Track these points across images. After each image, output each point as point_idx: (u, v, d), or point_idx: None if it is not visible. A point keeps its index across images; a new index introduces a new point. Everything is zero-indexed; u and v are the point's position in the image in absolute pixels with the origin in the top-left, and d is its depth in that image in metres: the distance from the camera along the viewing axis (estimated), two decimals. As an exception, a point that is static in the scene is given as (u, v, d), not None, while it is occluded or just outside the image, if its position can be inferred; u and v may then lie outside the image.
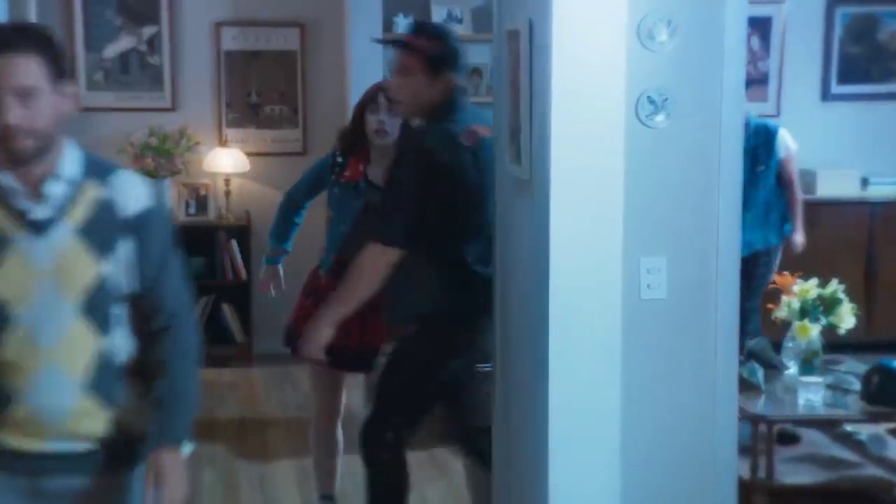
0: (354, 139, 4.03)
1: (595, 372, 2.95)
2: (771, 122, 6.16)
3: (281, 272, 4.49)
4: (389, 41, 5.03)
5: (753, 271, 5.76)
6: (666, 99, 2.94)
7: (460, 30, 6.76)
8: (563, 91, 2.89)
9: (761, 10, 6.78)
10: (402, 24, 6.62)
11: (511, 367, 3.40)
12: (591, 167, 2.91)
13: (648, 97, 2.94)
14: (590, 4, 2.86)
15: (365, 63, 6.25)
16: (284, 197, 4.42)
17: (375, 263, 3.49)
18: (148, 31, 6.64)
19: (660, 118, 2.95)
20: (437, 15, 6.76)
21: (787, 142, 6.08)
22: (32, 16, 5.33)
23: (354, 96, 6.23)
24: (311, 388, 4.44)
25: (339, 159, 4.05)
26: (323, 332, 3.55)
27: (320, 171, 4.19)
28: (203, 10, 6.67)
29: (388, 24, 6.50)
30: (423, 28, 3.95)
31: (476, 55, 6.84)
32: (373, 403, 3.79)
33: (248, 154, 6.74)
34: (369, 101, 4.00)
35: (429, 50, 3.56)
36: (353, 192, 4.01)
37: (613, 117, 2.91)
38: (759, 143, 5.92)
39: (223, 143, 6.76)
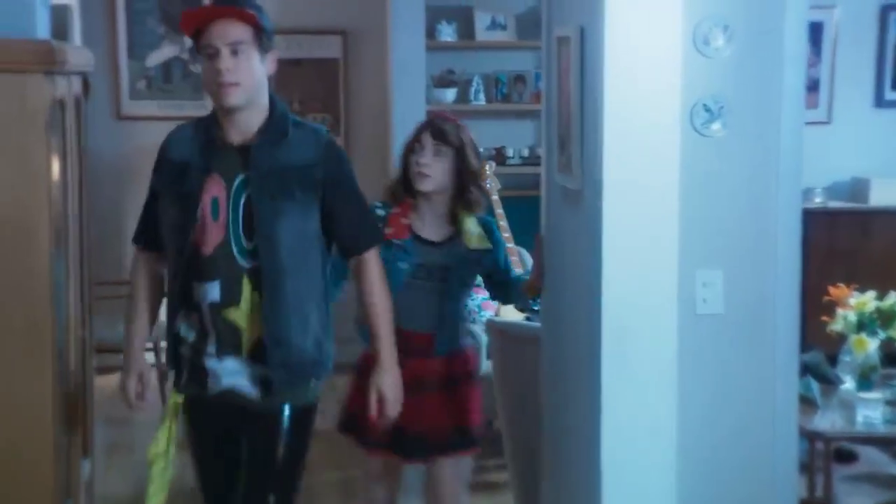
0: (400, 186, 3.42)
1: (649, 390, 2.85)
2: None
3: None
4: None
5: None
6: (722, 107, 2.84)
7: (504, 37, 6.69)
8: (615, 99, 2.80)
9: (812, 16, 6.60)
10: (446, 30, 6.55)
11: (561, 386, 3.30)
12: (645, 177, 2.82)
13: (704, 105, 2.84)
14: (644, 10, 2.76)
15: (407, 71, 6.19)
16: None
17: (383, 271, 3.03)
18: (190, 39, 6.59)
19: (716, 127, 2.86)
20: (481, 22, 6.69)
21: None
22: (76, 23, 5.30)
23: (397, 105, 6.24)
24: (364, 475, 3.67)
25: (380, 212, 3.36)
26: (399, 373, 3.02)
27: None
28: (245, 19, 6.63)
29: (430, 32, 6.43)
30: None
31: (519, 62, 6.79)
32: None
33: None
34: (414, 140, 3.40)
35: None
36: (400, 252, 3.34)
37: (668, 126, 2.82)
38: None
39: (265, 151, 6.70)
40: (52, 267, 2.73)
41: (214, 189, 2.77)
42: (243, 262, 2.77)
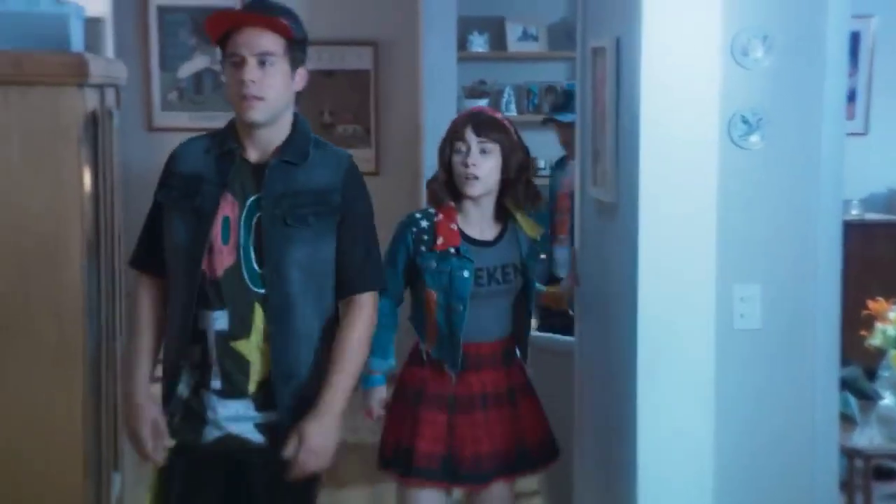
0: (445, 190, 3.08)
1: (686, 407, 2.80)
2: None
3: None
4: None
5: None
6: (761, 119, 2.80)
7: (536, 47, 6.65)
8: (652, 110, 2.76)
9: (849, 25, 6.55)
10: (477, 41, 6.52)
11: (595, 402, 3.26)
12: (682, 190, 2.78)
13: (742, 117, 2.80)
14: (681, 20, 2.72)
15: (438, 82, 6.16)
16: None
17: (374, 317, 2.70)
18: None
19: (754, 139, 2.81)
20: (513, 33, 6.66)
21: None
22: (109, 33, 5.32)
23: (428, 116, 6.21)
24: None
25: (423, 223, 3.06)
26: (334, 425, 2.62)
27: (405, 249, 3.10)
28: (276, 30, 6.63)
29: (462, 42, 6.41)
30: None
31: (551, 73, 6.75)
32: None
33: (321, 174, 6.67)
34: (454, 138, 3.05)
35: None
36: (458, 260, 3.02)
37: (705, 138, 2.78)
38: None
39: (296, 163, 6.69)
40: (84, 280, 2.72)
41: (227, 208, 2.54)
42: (256, 289, 2.53)
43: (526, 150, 3.09)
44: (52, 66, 2.57)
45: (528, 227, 3.12)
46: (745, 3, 2.75)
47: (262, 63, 2.49)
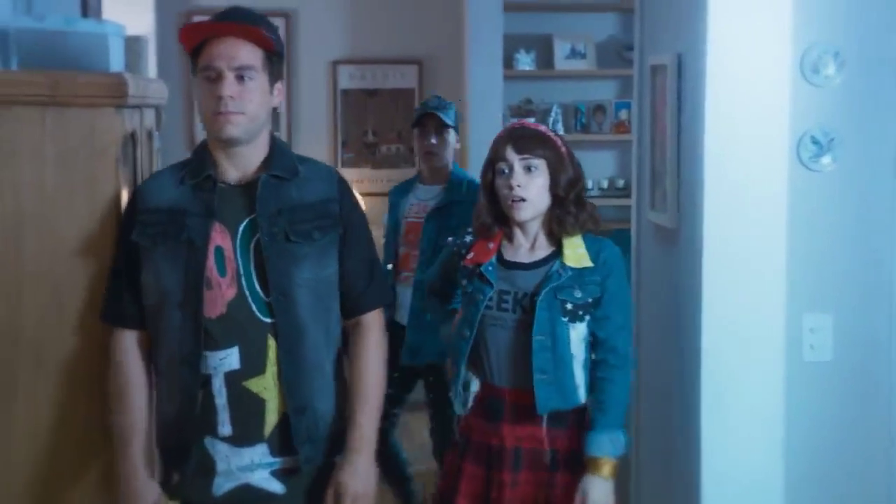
0: (490, 218, 2.74)
1: (753, 444, 2.67)
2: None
3: None
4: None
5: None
6: (832, 139, 2.67)
7: (584, 65, 6.53)
8: (716, 131, 2.63)
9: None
10: (524, 59, 6.42)
11: (653, 441, 3.10)
12: (748, 215, 2.65)
13: (812, 137, 2.67)
14: (748, 35, 2.60)
15: (484, 101, 6.07)
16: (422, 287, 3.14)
17: None
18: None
19: (825, 160, 2.68)
20: (560, 50, 6.54)
21: None
22: (151, 53, 5.27)
23: (473, 136, 6.11)
24: None
25: (468, 237, 2.79)
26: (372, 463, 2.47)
27: (449, 261, 2.85)
28: (320, 49, 6.57)
29: (508, 61, 6.30)
30: None
31: (599, 92, 6.63)
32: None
33: (364, 195, 6.58)
34: (496, 160, 2.70)
35: None
36: (478, 281, 2.69)
37: (773, 160, 2.66)
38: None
39: (339, 183, 6.61)
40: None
41: (217, 238, 2.33)
42: (265, 318, 2.33)
43: (577, 166, 2.70)
44: (88, 86, 2.48)
45: (572, 255, 2.64)
46: (816, 18, 2.63)
47: (240, 77, 2.30)
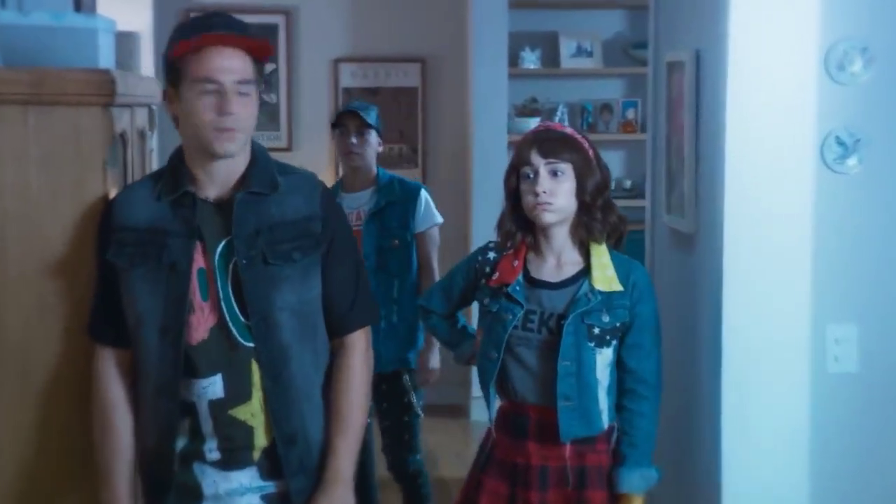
0: (513, 225, 2.63)
1: (776, 458, 2.59)
2: (413, 181, 4.11)
3: None
4: None
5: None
6: (858, 140, 2.56)
7: (590, 64, 6.42)
8: (736, 131, 2.53)
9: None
10: (529, 58, 6.31)
11: (671, 455, 2.98)
12: (770, 219, 2.56)
13: (837, 138, 2.56)
14: (770, 30, 2.50)
15: (489, 100, 5.98)
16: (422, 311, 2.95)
17: None
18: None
19: (851, 162, 2.57)
20: (566, 49, 6.42)
21: (432, 209, 3.95)
22: (147, 50, 5.15)
23: (478, 135, 6.00)
24: None
25: (491, 254, 2.68)
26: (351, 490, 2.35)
27: (466, 275, 2.76)
28: (321, 47, 6.46)
29: (513, 59, 6.19)
30: None
31: (606, 90, 6.52)
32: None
33: (366, 195, 6.48)
34: (518, 160, 2.60)
35: None
36: (505, 301, 2.60)
37: (796, 161, 2.57)
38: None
39: (340, 183, 6.51)
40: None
41: (199, 259, 2.22)
42: (248, 343, 2.22)
43: (604, 169, 2.64)
44: (74, 84, 2.36)
45: (601, 277, 2.55)
46: (842, 12, 2.52)
47: (240, 92, 2.19)
